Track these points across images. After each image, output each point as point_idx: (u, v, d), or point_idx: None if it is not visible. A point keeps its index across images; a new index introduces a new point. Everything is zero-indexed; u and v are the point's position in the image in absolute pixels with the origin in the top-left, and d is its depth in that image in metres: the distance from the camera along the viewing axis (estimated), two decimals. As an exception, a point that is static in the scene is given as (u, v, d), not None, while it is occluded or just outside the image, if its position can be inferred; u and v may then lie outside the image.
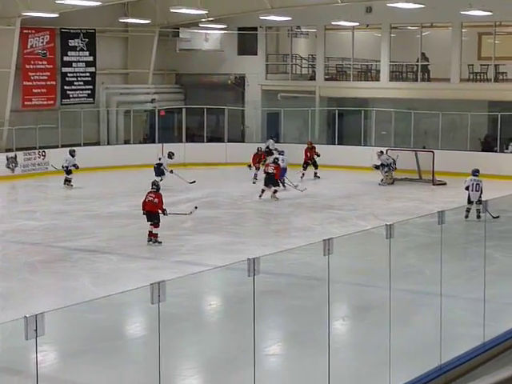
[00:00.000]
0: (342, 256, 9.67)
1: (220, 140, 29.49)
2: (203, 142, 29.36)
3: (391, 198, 22.08)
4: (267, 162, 22.92)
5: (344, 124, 29.11)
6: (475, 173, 18.64)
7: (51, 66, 27.86)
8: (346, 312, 11.61)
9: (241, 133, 30.92)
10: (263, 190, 21.26)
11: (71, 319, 9.67)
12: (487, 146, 26.95)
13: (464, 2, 24.04)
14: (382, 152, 24.47)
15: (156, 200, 15.88)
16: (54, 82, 27.98)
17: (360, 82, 29.61)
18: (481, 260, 10.44)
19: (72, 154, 23.72)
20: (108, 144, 29.17)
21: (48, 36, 27.54)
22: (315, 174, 25.19)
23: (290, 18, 27.48)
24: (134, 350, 10.44)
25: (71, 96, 28.41)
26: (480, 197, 17.91)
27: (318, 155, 25.23)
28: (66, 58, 28.12)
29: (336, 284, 8.53)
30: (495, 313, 10.46)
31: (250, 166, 24.45)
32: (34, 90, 27.37)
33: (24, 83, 27.01)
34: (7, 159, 25.19)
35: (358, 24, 28.35)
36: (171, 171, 22.66)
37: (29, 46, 26.99)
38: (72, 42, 28.18)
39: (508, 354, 9.32)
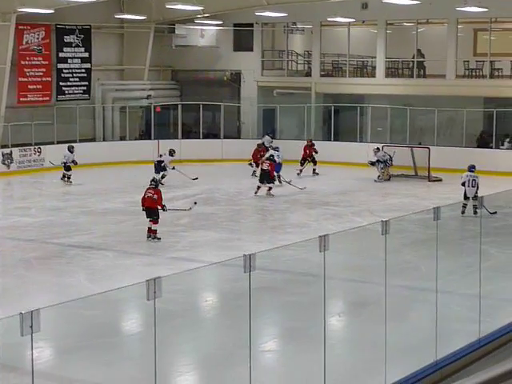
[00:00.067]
0: (338, 252, 9.69)
1: (216, 136, 29.48)
2: (199, 138, 29.33)
3: (387, 195, 22.10)
4: (263, 158, 22.91)
5: (340, 120, 29.12)
6: (471, 168, 18.66)
7: (47, 62, 27.80)
8: (341, 308, 11.62)
9: (237, 129, 30.91)
10: (259, 187, 21.28)
11: (67, 315, 9.68)
12: (483, 142, 26.99)
13: (460, -2, 24.05)
14: (378, 149, 24.48)
15: (155, 196, 15.90)
16: (49, 79, 27.93)
17: (356, 79, 29.60)
18: (476, 256, 10.46)
19: (70, 150, 23.70)
20: (104, 140, 29.14)
21: (43, 32, 27.48)
22: (314, 170, 25.22)
23: (285, 14, 27.45)
24: (130, 346, 10.45)
25: (67, 92, 28.36)
26: (476, 192, 17.95)
27: (316, 152, 25.27)
28: (61, 54, 28.07)
29: (332, 280, 8.55)
30: (491, 309, 10.47)
31: (250, 163, 24.50)
32: (29, 87, 27.32)
33: (19, 79, 26.96)
34: (2, 155, 25.14)
35: (353, 20, 28.31)
36: (173, 168, 22.72)
37: (24, 42, 26.93)
38: (67, 38, 28.11)
39: (503, 350, 9.34)
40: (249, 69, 30.54)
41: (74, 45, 28.30)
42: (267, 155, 22.94)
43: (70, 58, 28.29)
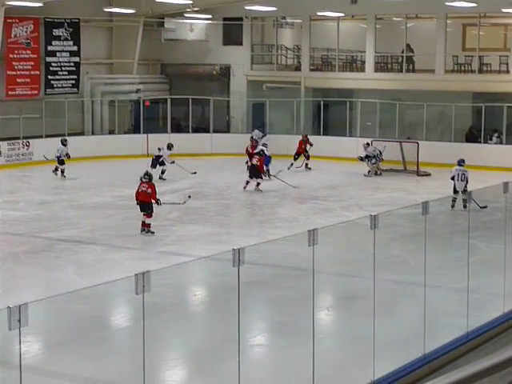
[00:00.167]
0: (327, 246, 9.71)
1: (205, 130, 29.44)
2: (188, 132, 29.29)
3: (376, 189, 22.13)
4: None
5: (329, 115, 29.13)
6: (461, 163, 18.72)
7: (35, 56, 27.68)
8: (330, 302, 11.64)
9: (226, 123, 30.88)
10: (248, 182, 21.26)
11: (55, 310, 9.66)
12: (471, 137, 27.07)
13: (449, -7, 24.09)
14: (368, 144, 24.50)
15: (149, 190, 15.87)
16: (37, 72, 27.82)
17: (345, 73, 29.61)
18: (465, 250, 10.50)
19: (64, 143, 23.55)
20: (92, 134, 29.05)
21: (32, 25, 27.35)
22: (306, 165, 25.25)
23: (275, 9, 27.43)
24: (119, 340, 10.44)
25: (55, 86, 28.25)
26: (466, 186, 18.01)
27: (311, 144, 25.30)
28: (50, 48, 27.95)
29: (321, 274, 8.55)
30: (479, 303, 10.52)
31: (247, 162, 24.51)
32: (17, 80, 27.20)
33: (8, 73, 26.84)
34: (-9, 149, 25.05)
35: (343, 15, 28.33)
36: (173, 162, 22.70)
37: (13, 36, 26.80)
38: (56, 32, 27.99)
39: (491, 344, 9.38)
40: (238, 63, 30.50)
41: (62, 38, 28.19)
42: (257, 150, 22.92)
43: (58, 51, 28.18)
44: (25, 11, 26.10)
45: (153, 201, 15.90)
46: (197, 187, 21.73)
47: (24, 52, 27.31)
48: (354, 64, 30.15)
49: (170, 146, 23.20)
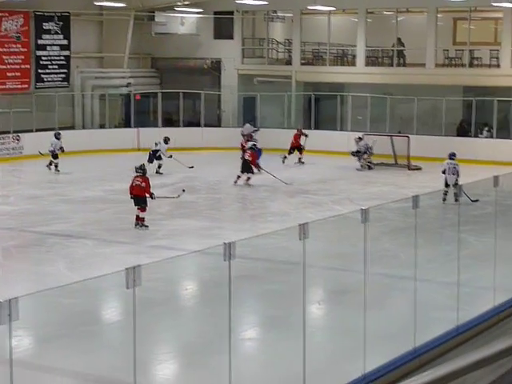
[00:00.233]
0: (318, 240, 9.71)
1: (196, 124, 29.40)
2: (179, 126, 29.24)
3: (367, 183, 22.16)
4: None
5: (320, 109, 29.14)
6: (452, 156, 18.76)
7: (25, 50, 27.59)
8: (321, 296, 11.66)
9: (217, 117, 30.84)
10: (239, 176, 21.24)
11: (46, 304, 9.64)
12: (462, 130, 27.12)
13: (440, -13, 24.12)
14: (360, 138, 24.48)
15: (143, 184, 15.83)
16: (28, 66, 27.72)
17: (336, 67, 29.60)
18: (455, 244, 10.52)
19: (57, 137, 23.43)
20: (83, 128, 28.99)
21: (22, 19, 27.24)
22: (299, 159, 25.26)
23: (266, 2, 27.37)
24: (110, 334, 10.43)
25: (46, 80, 28.16)
26: (457, 180, 18.05)
27: (306, 135, 25.29)
28: (40, 42, 27.86)
29: (312, 268, 8.56)
30: (469, 297, 10.55)
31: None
32: (7, 74, 27.10)
33: (-3, 67, 26.78)
34: (-19, 143, 24.97)
35: (334, 9, 28.32)
36: (170, 156, 22.64)
37: (3, 29, 26.71)
38: (46, 26, 27.89)
39: (481, 338, 9.42)
40: (229, 57, 30.46)
41: (52, 32, 28.09)
42: (249, 145, 22.90)
43: (48, 45, 28.09)
44: (15, 5, 26.00)
45: (147, 195, 15.86)
46: (188, 181, 21.70)
47: (14, 46, 27.21)
48: (344, 58, 30.15)
49: (166, 140, 23.14)
